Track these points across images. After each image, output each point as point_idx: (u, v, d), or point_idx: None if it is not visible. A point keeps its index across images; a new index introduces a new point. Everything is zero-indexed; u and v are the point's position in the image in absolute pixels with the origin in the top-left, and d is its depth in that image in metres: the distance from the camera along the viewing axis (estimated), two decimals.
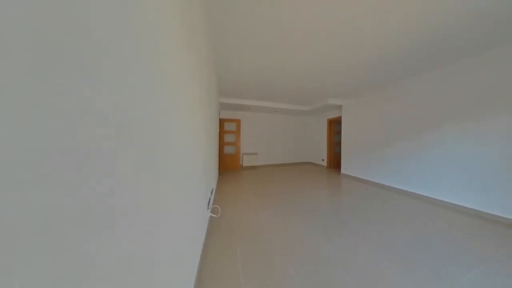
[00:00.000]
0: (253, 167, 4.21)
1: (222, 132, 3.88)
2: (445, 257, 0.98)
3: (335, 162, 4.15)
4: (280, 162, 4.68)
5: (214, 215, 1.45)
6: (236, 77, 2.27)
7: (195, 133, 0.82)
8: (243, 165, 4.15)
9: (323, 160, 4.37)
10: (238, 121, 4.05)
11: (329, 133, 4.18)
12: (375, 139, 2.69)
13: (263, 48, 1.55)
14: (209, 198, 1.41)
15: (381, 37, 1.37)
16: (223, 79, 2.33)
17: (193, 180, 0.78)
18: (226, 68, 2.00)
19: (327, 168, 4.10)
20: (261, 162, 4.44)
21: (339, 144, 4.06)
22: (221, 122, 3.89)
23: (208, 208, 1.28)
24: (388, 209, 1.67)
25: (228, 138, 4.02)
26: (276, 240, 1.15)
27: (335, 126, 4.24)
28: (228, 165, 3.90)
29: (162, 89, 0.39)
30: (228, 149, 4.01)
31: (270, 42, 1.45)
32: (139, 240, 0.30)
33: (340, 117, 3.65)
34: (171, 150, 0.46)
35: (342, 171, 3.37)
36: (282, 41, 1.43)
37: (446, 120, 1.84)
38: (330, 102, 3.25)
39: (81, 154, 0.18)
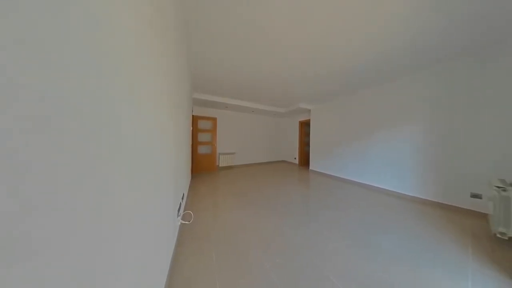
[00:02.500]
0: (230, 167, 4.12)
1: (195, 131, 3.57)
2: (379, 228, 1.31)
3: (305, 160, 4.66)
4: (257, 162, 4.80)
5: (186, 222, 1.32)
6: (212, 73, 2.14)
7: (162, 130, 0.72)
8: (220, 166, 3.99)
9: (295, 158, 4.81)
10: (214, 120, 3.84)
11: (301, 134, 4.65)
12: (335, 139, 3.21)
13: (239, 46, 1.53)
14: (180, 204, 1.28)
15: (340, 55, 1.65)
16: (198, 73, 2.14)
17: (159, 186, 0.69)
18: (201, 62, 1.85)
19: (298, 165, 4.55)
20: (239, 162, 4.40)
21: (308, 144, 4.59)
22: (195, 119, 3.57)
23: (178, 215, 1.16)
24: (344, 198, 2.05)
25: (203, 137, 3.75)
26: (252, 237, 1.18)
27: (305, 127, 4.75)
28: (203, 166, 3.64)
29: (112, 72, 0.32)
30: (202, 149, 3.74)
31: (246, 42, 1.46)
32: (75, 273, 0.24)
33: (310, 119, 4.13)
34: (126, 150, 0.39)
35: (310, 168, 3.83)
36: (258, 42, 1.47)
37: (379, 125, 2.43)
38: (300, 106, 3.61)
39: None
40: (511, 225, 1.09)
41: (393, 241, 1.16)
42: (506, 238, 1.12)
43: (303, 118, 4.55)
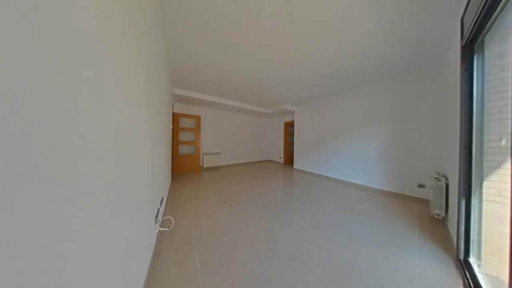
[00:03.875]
0: (215, 168, 3.97)
1: (176, 129, 3.30)
2: (350, 218, 1.48)
3: (289, 159, 4.88)
4: (243, 161, 4.77)
5: (166, 229, 1.21)
6: (195, 69, 2.02)
7: (134, 128, 0.63)
8: (204, 166, 3.80)
9: (280, 157, 4.99)
10: (198, 118, 3.63)
11: (285, 134, 4.85)
12: (317, 140, 3.47)
13: (223, 44, 1.49)
14: (158, 210, 1.16)
15: (320, 61, 1.79)
16: (179, 67, 1.98)
17: (131, 191, 0.61)
18: (183, 56, 1.72)
19: (283, 164, 4.73)
20: (224, 162, 4.29)
21: (293, 143, 4.82)
22: (176, 117, 3.30)
23: (156, 222, 1.05)
24: (322, 192, 2.23)
25: (186, 136, 3.50)
26: (238, 238, 1.17)
27: (289, 128, 4.98)
28: (184, 167, 3.40)
29: (59, 53, 0.27)
30: (184, 149, 3.49)
31: (230, 41, 1.43)
32: None
33: (293, 120, 4.34)
34: (85, 151, 0.33)
35: (294, 166, 4.04)
36: (241, 41, 1.45)
37: (352, 127, 2.75)
38: (285, 107, 3.77)
39: None
40: (443, 207, 1.40)
41: (361, 228, 1.33)
42: (440, 218, 1.43)
43: (287, 119, 4.75)
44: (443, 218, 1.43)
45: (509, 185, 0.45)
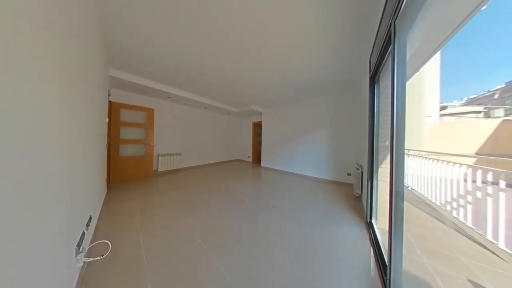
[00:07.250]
0: (175, 171, 3.43)
1: (116, 124, 2.53)
2: (306, 205, 1.78)
3: (257, 158, 5.10)
4: (209, 162, 4.45)
5: (97, 258, 0.90)
6: (144, 49, 1.63)
7: (31, 117, 0.42)
8: (159, 170, 3.18)
9: (249, 157, 5.11)
10: (150, 111, 2.97)
11: (254, 134, 5.02)
12: (281, 139, 3.85)
13: (181, 26, 1.30)
14: (83, 234, 0.84)
15: (280, 69, 2.01)
16: (120, 43, 1.52)
17: (27, 214, 0.40)
18: (126, 30, 1.33)
19: (251, 163, 4.88)
20: (187, 163, 3.80)
21: (260, 143, 5.07)
22: (115, 107, 2.53)
23: (79, 252, 0.75)
24: (286, 187, 2.52)
25: (132, 133, 2.76)
26: (202, 246, 1.08)
27: (257, 128, 5.20)
28: (130, 172, 2.68)
29: None
30: (130, 150, 2.75)
31: (193, 25, 1.28)
32: None
33: (261, 121, 4.58)
34: None
35: (262, 165, 4.27)
36: (205, 31, 1.35)
37: (307, 130, 3.31)
38: (253, 108, 3.90)
39: None
40: (360, 188, 2.00)
41: (314, 212, 1.64)
42: (358, 196, 2.04)
43: (256, 119, 4.93)
44: (360, 196, 2.05)
45: (388, 170, 0.71)
